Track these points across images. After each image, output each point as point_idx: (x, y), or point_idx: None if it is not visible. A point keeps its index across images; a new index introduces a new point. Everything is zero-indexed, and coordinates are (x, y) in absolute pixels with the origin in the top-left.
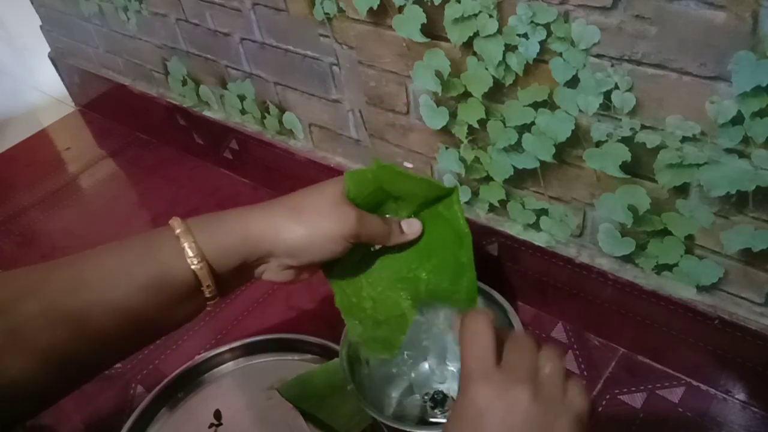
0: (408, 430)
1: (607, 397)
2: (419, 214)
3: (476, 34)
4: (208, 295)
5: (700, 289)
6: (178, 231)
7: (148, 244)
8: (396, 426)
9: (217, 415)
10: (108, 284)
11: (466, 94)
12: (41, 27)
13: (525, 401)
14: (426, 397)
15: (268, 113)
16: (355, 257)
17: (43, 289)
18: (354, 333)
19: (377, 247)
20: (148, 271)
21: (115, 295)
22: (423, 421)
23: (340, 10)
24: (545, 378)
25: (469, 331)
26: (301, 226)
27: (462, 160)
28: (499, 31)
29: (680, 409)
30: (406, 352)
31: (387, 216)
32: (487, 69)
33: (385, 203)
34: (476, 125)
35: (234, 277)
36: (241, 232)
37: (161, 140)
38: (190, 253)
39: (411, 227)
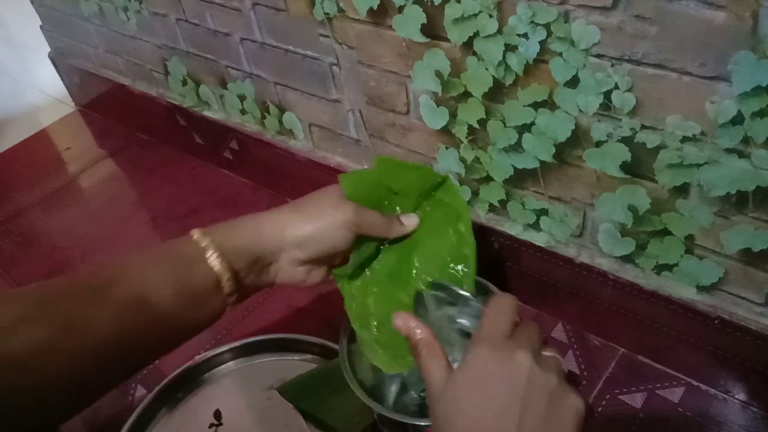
0: (412, 421)
1: (607, 397)
2: (419, 207)
3: (476, 34)
4: (227, 291)
5: (700, 289)
6: (196, 236)
7: (168, 248)
8: (400, 419)
9: (217, 415)
10: (137, 282)
11: (466, 94)
12: (41, 27)
13: (527, 365)
14: (422, 394)
15: (268, 113)
16: (363, 254)
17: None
18: (363, 340)
19: (383, 246)
20: (170, 270)
21: (143, 291)
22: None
23: (340, 10)
24: (547, 357)
25: (496, 302)
26: (306, 221)
27: (462, 160)
28: (499, 31)
29: (680, 409)
30: None
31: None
32: (487, 69)
33: (384, 202)
34: (476, 125)
35: (250, 275)
36: (253, 231)
37: (161, 140)
38: (209, 251)
39: (409, 219)
